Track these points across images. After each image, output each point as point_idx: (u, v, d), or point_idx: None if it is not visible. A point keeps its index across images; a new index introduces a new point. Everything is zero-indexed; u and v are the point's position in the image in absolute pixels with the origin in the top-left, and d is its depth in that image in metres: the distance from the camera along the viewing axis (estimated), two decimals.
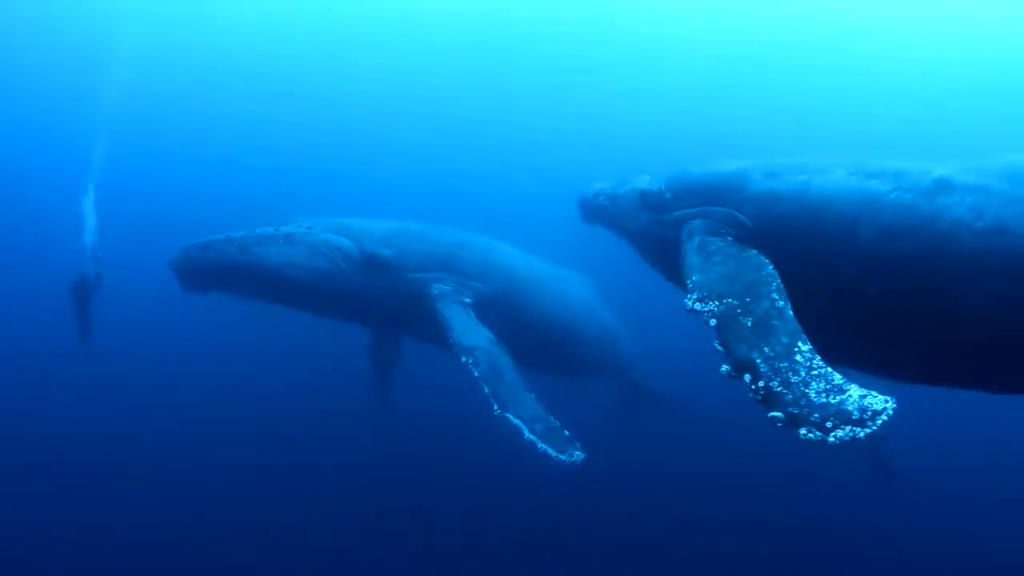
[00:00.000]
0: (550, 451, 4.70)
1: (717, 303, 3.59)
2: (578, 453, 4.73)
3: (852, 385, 3.11)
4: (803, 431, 3.00)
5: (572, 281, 7.65)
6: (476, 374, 5.35)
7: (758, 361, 3.28)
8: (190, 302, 6.73)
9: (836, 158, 4.15)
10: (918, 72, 27.51)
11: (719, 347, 3.43)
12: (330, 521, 8.29)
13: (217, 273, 6.24)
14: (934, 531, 8.61)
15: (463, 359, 5.53)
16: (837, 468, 8.94)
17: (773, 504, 8.69)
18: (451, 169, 22.70)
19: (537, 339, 6.62)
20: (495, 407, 5.01)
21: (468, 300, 6.30)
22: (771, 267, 3.75)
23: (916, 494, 8.93)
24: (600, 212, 5.10)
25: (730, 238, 4.06)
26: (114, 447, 9.52)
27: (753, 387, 3.23)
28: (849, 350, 4.21)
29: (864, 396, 3.03)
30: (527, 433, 4.80)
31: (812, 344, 3.50)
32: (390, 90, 29.32)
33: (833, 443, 2.93)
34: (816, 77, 27.71)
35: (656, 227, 4.59)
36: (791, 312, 3.50)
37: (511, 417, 4.92)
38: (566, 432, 4.89)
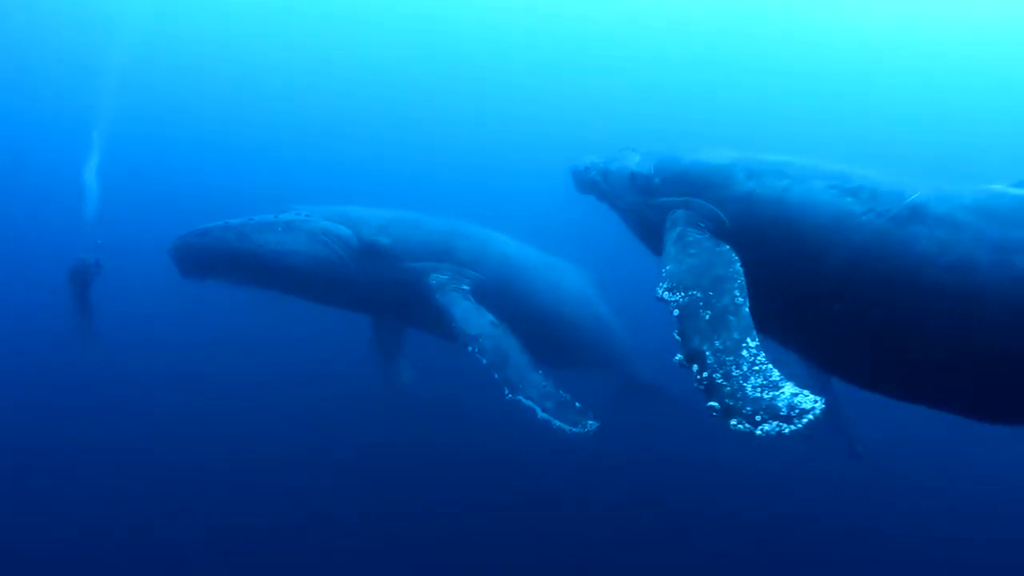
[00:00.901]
0: (564, 426, 4.76)
1: (683, 295, 3.73)
2: (591, 422, 4.80)
3: (787, 383, 3.25)
4: (734, 422, 3.15)
5: (567, 272, 7.69)
6: (484, 362, 5.38)
7: (707, 353, 3.42)
8: (189, 289, 6.77)
9: (819, 165, 4.24)
10: (915, 65, 27.56)
11: (677, 336, 3.57)
12: (328, 514, 8.29)
13: (215, 260, 6.26)
14: (928, 531, 8.71)
15: (469, 348, 5.56)
16: (825, 463, 9.07)
17: (763, 499, 8.78)
18: (450, 159, 22.71)
19: (531, 328, 6.64)
20: (506, 391, 5.06)
21: (466, 287, 6.34)
22: (738, 264, 3.86)
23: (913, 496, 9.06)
24: (592, 185, 5.23)
25: (708, 232, 4.17)
26: (113, 438, 9.51)
27: (698, 377, 3.37)
28: (806, 351, 4.40)
29: (795, 395, 3.17)
30: (540, 412, 4.85)
31: (775, 336, 3.72)
32: (388, 79, 29.30)
33: (760, 436, 3.07)
34: (806, 63, 27.82)
35: (644, 209, 4.70)
36: (747, 310, 3.63)
37: (523, 399, 4.97)
38: (577, 404, 4.96)
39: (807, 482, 9.02)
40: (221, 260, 6.26)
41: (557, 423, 4.77)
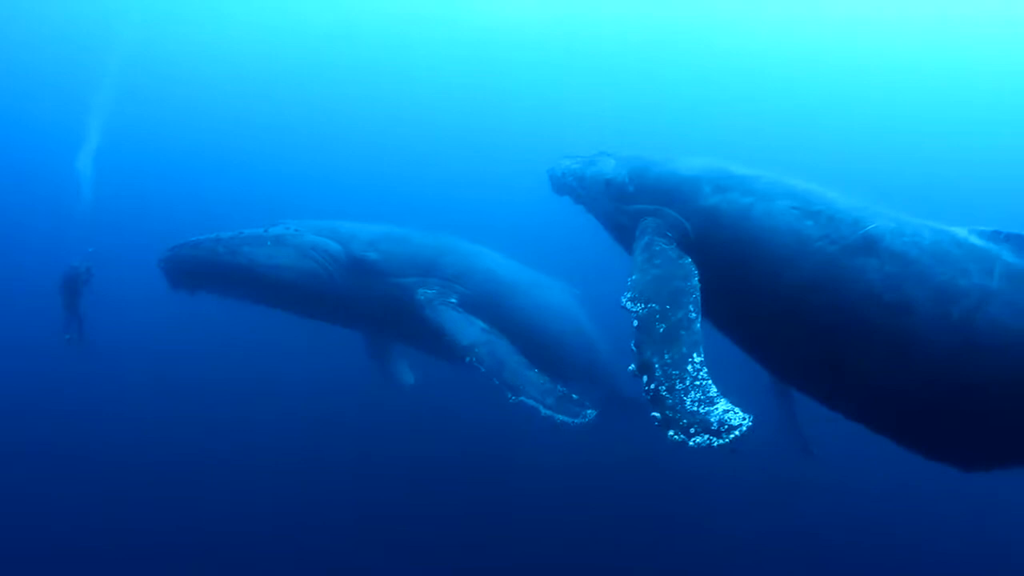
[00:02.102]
0: (567, 419, 4.93)
1: (643, 306, 3.93)
2: (590, 411, 4.99)
3: (722, 400, 3.49)
4: (671, 433, 3.42)
5: (552, 287, 7.76)
6: (483, 370, 5.52)
7: (656, 366, 3.65)
8: (182, 298, 6.82)
9: (786, 183, 4.36)
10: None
11: (633, 348, 3.79)
12: (323, 521, 8.37)
13: (205, 272, 6.33)
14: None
15: (466, 359, 5.68)
16: (807, 478, 9.18)
17: (745, 509, 8.88)
18: (438, 173, 22.84)
19: (516, 343, 6.73)
20: (509, 395, 5.21)
21: (454, 300, 6.43)
22: (696, 279, 4.03)
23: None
24: (568, 190, 5.40)
25: (674, 242, 4.34)
26: (102, 445, 9.53)
27: (646, 388, 3.61)
28: (760, 359, 4.57)
29: (727, 411, 3.42)
30: (543, 410, 5.02)
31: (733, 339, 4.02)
32: (379, 94, 29.47)
33: (693, 447, 3.34)
34: (784, 74, 28.32)
35: (617, 215, 4.87)
36: (699, 325, 3.83)
37: (525, 400, 5.13)
38: (574, 396, 5.15)
39: (785, 490, 9.14)
40: (211, 272, 6.33)
41: (560, 417, 4.94)
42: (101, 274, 9.19)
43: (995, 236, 4.03)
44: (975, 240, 4.00)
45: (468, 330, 5.98)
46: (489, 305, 6.67)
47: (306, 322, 7.25)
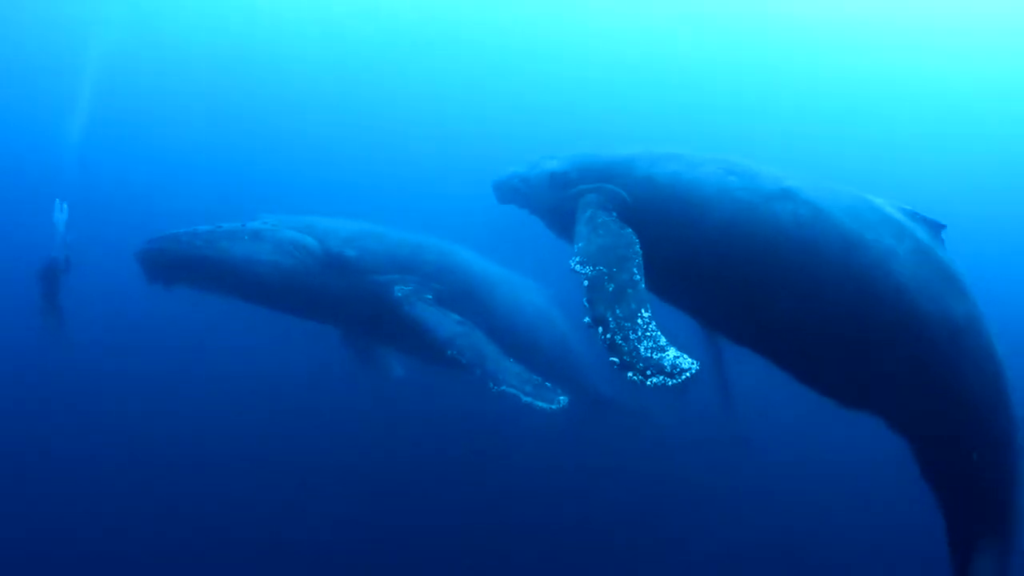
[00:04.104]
0: (544, 405, 5.13)
1: (591, 268, 4.32)
2: (562, 398, 5.21)
3: (672, 347, 3.94)
4: (630, 374, 3.84)
5: (528, 288, 7.88)
6: (464, 362, 5.68)
7: (609, 319, 4.06)
8: (158, 293, 6.84)
9: (716, 157, 4.79)
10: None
11: (585, 303, 4.17)
12: (306, 515, 8.39)
13: (183, 266, 6.35)
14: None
15: (448, 353, 5.81)
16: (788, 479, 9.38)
17: (719, 512, 9.04)
18: (414, 174, 22.89)
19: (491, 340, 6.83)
20: (491, 384, 5.38)
21: (430, 297, 6.52)
22: (638, 246, 4.45)
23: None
24: (513, 193, 5.69)
25: (615, 214, 4.72)
26: (79, 439, 9.49)
27: (603, 337, 4.02)
28: (694, 312, 5.08)
29: (677, 357, 3.89)
30: (523, 397, 5.20)
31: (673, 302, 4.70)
32: (359, 91, 29.43)
33: (649, 386, 3.78)
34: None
35: (561, 203, 5.18)
36: (644, 285, 4.27)
37: (506, 388, 5.31)
38: (547, 384, 5.38)
39: (770, 497, 9.31)
40: (189, 266, 6.34)
41: (538, 404, 5.14)
42: (80, 265, 9.21)
43: (913, 215, 4.46)
44: (892, 211, 4.42)
45: (446, 324, 6.09)
46: (465, 303, 6.75)
47: (289, 316, 7.30)
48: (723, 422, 7.37)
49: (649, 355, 3.87)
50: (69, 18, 23.57)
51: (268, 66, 28.98)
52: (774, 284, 4.34)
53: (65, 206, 9.40)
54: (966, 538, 4.35)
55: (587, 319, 4.11)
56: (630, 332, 3.98)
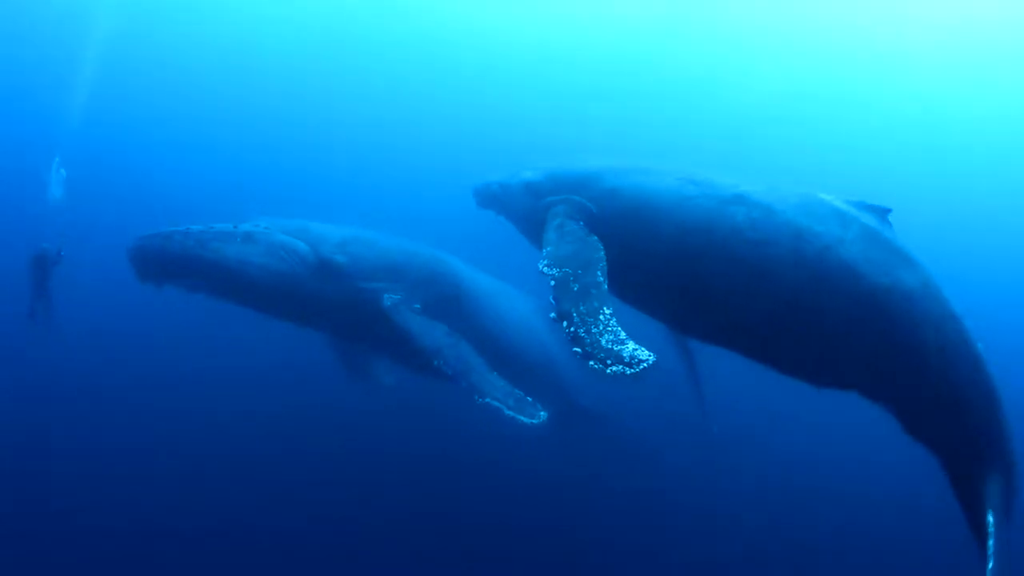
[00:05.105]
0: (524, 419, 5.37)
1: (559, 270, 4.72)
2: (542, 413, 5.46)
3: (630, 341, 4.33)
4: (591, 363, 4.23)
5: (515, 297, 7.97)
6: (451, 373, 5.85)
7: (573, 314, 4.48)
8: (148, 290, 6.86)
9: (679, 169, 5.12)
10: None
11: (552, 300, 4.58)
12: (295, 515, 8.46)
13: (174, 265, 6.35)
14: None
15: (435, 362, 5.95)
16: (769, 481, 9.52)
17: (694, 520, 9.18)
18: (403, 181, 22.95)
19: (477, 349, 6.91)
20: (476, 396, 5.59)
21: (417, 306, 6.58)
22: (602, 252, 4.86)
23: None
24: (491, 200, 6.07)
25: (582, 223, 5.11)
26: (69, 434, 9.53)
27: (567, 331, 4.42)
28: (656, 312, 5.41)
29: (636, 349, 4.29)
30: (506, 411, 5.43)
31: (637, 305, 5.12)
32: (354, 95, 29.44)
33: (610, 375, 4.16)
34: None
35: (534, 210, 5.52)
36: (606, 287, 4.67)
37: (490, 400, 5.54)
38: (528, 399, 5.59)
39: (740, 498, 9.47)
40: (180, 265, 6.35)
41: (520, 418, 5.36)
42: (71, 256, 9.24)
43: (860, 204, 4.83)
44: (839, 204, 4.80)
45: (434, 334, 6.20)
46: (452, 311, 6.83)
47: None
48: (698, 423, 7.53)
49: (610, 347, 4.26)
50: (64, 14, 23.45)
51: (269, 66, 28.94)
52: (735, 281, 4.69)
53: (63, 171, 9.43)
54: (966, 476, 4.61)
55: (553, 314, 4.50)
56: (592, 326, 4.37)
